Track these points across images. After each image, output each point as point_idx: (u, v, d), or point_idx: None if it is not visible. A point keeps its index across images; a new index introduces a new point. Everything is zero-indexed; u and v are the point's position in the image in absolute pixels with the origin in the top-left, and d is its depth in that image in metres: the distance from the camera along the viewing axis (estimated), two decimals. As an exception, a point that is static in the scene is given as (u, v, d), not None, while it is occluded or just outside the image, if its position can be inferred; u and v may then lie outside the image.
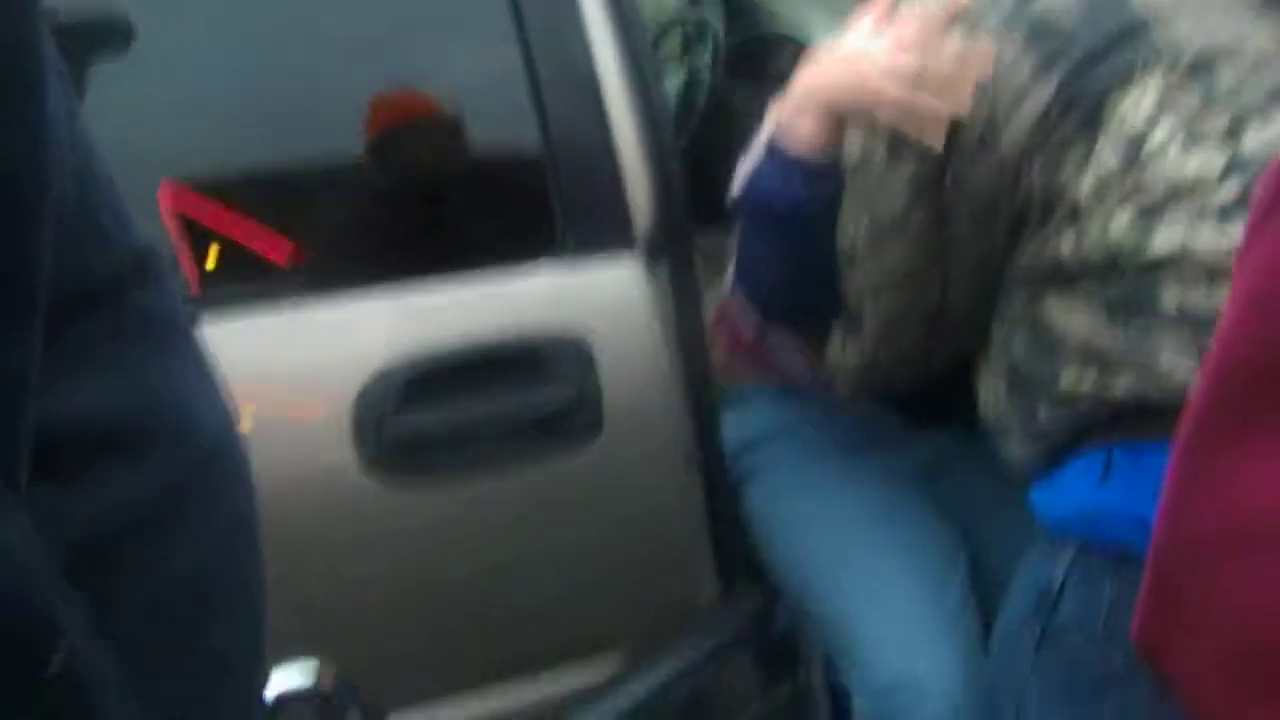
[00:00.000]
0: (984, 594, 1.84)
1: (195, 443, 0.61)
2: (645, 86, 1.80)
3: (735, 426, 1.92)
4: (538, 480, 1.73)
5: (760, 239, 1.59)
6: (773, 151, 1.50)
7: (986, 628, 1.75)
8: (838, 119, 1.47)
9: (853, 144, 1.51)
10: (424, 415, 1.66)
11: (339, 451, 1.63)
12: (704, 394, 1.83)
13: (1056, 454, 1.41)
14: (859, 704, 1.77)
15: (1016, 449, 1.49)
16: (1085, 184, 1.37)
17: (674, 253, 1.81)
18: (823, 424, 1.91)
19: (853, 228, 1.52)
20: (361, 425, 1.63)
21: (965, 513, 1.91)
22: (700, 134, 2.15)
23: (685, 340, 1.81)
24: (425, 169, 1.83)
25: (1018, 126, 1.40)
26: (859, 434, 1.90)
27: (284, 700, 1.44)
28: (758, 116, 1.58)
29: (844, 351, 1.63)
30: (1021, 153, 1.40)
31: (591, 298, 1.76)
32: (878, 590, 1.78)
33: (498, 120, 1.87)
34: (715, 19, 2.29)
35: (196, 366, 0.64)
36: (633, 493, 1.80)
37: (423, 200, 1.85)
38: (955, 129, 1.42)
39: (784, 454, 1.91)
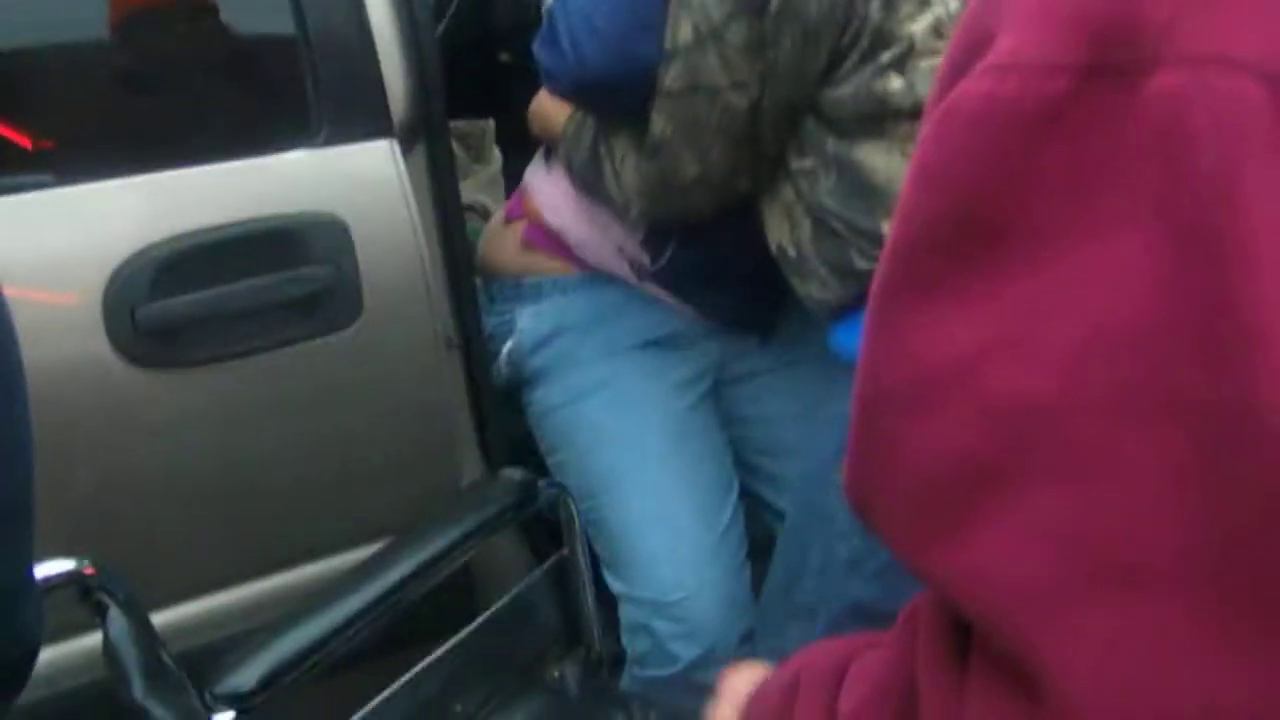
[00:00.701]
0: (775, 497, 1.92)
1: None
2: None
3: (532, 320, 1.90)
4: (298, 364, 1.73)
5: None
6: None
7: (769, 537, 1.83)
8: None
9: None
10: (178, 300, 1.63)
11: (91, 339, 1.60)
12: (463, 277, 1.85)
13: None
14: (628, 611, 1.84)
15: (821, 289, 1.50)
16: (923, 25, 1.37)
17: (431, 137, 1.81)
18: (621, 318, 1.88)
19: (678, 28, 1.51)
20: (113, 311, 1.60)
21: (758, 422, 1.95)
22: (461, 22, 2.14)
23: (443, 224, 1.82)
24: (173, 53, 1.79)
25: None
26: (657, 330, 1.89)
27: (45, 586, 1.40)
28: (518, 6, 1.57)
29: (643, 162, 1.63)
30: None
31: (347, 182, 1.75)
32: (659, 509, 1.84)
33: (251, 3, 1.84)
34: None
35: None
36: (394, 376, 1.81)
37: (174, 85, 1.81)
38: None
39: (580, 350, 1.88)
